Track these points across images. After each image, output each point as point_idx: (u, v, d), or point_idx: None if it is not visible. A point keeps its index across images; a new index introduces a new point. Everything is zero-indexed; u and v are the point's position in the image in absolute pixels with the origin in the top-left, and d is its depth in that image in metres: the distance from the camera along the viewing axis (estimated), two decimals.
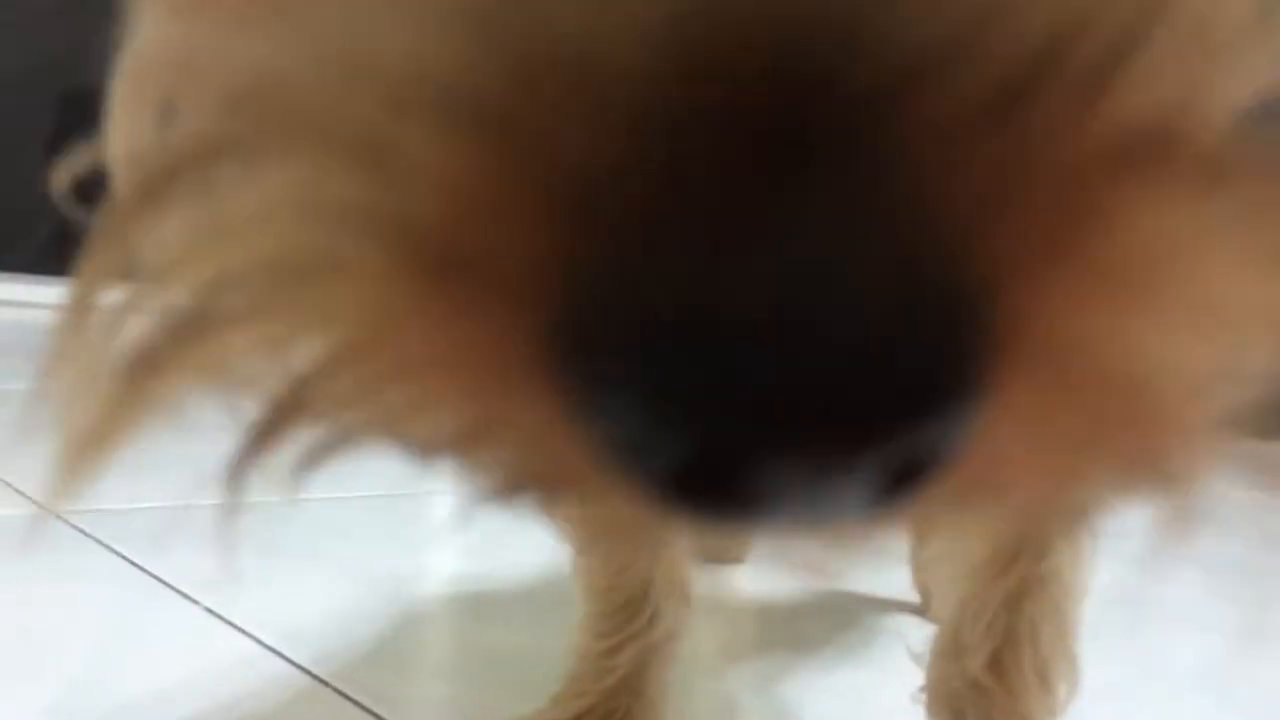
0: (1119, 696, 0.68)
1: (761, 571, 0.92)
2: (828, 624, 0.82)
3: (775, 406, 0.15)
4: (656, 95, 0.14)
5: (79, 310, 0.18)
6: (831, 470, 0.16)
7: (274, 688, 0.60)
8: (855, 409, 0.15)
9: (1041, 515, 0.20)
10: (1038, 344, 0.15)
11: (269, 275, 0.16)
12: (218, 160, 0.16)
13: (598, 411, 0.15)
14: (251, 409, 0.18)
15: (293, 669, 0.62)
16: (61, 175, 0.20)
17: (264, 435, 0.18)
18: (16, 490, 0.88)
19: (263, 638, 0.66)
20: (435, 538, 1.00)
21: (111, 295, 0.18)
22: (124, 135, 0.20)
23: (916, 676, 0.50)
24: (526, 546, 0.77)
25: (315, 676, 0.62)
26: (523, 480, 0.18)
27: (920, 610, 0.84)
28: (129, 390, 0.18)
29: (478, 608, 0.79)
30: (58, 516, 0.84)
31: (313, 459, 0.18)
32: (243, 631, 0.67)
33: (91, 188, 0.19)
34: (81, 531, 0.82)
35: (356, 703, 0.59)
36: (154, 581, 0.74)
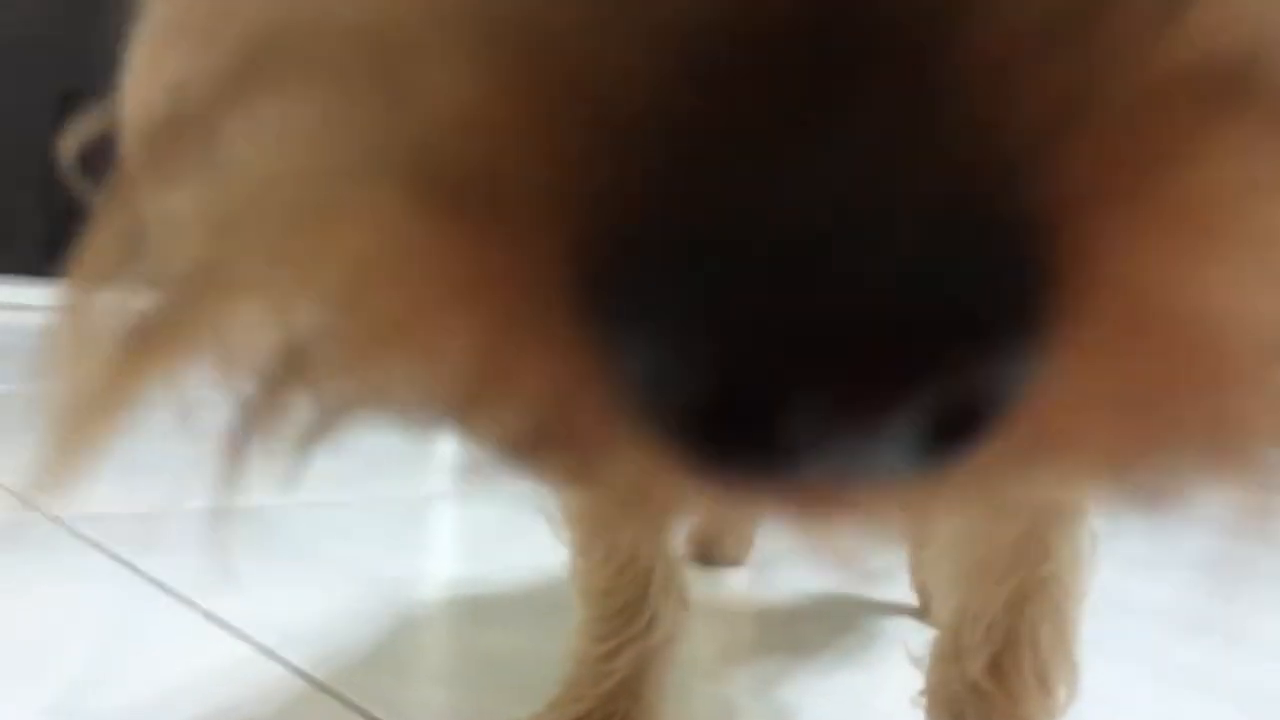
0: (1118, 698, 0.68)
1: (760, 574, 0.92)
2: (826, 627, 0.82)
3: (818, 332, 0.13)
4: (701, 7, 0.13)
5: (85, 284, 0.18)
6: (877, 409, 0.14)
7: (272, 691, 0.60)
8: (906, 337, 0.14)
9: (1105, 483, 0.17)
10: (1103, 284, 0.14)
11: (282, 218, 0.15)
12: (230, 107, 0.15)
13: (625, 340, 0.14)
14: (250, 384, 0.17)
15: (290, 672, 0.62)
16: (68, 143, 0.19)
17: (262, 407, 0.17)
18: (9, 490, 0.88)
19: (260, 641, 0.66)
20: (433, 541, 1.00)
21: (116, 272, 0.18)
22: (139, 97, 0.19)
23: (916, 680, 0.50)
24: (524, 550, 0.77)
25: (313, 680, 0.61)
26: (539, 435, 0.17)
27: (919, 613, 0.84)
28: (129, 361, 0.17)
29: (475, 611, 0.79)
30: (55, 519, 0.84)
31: (314, 434, 0.18)
32: (240, 634, 0.67)
33: (98, 162, 0.19)
34: (79, 534, 0.82)
35: (354, 706, 0.59)
36: (151, 584, 0.73)
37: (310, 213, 0.15)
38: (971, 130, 0.13)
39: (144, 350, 0.17)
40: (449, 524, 1.07)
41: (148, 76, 0.19)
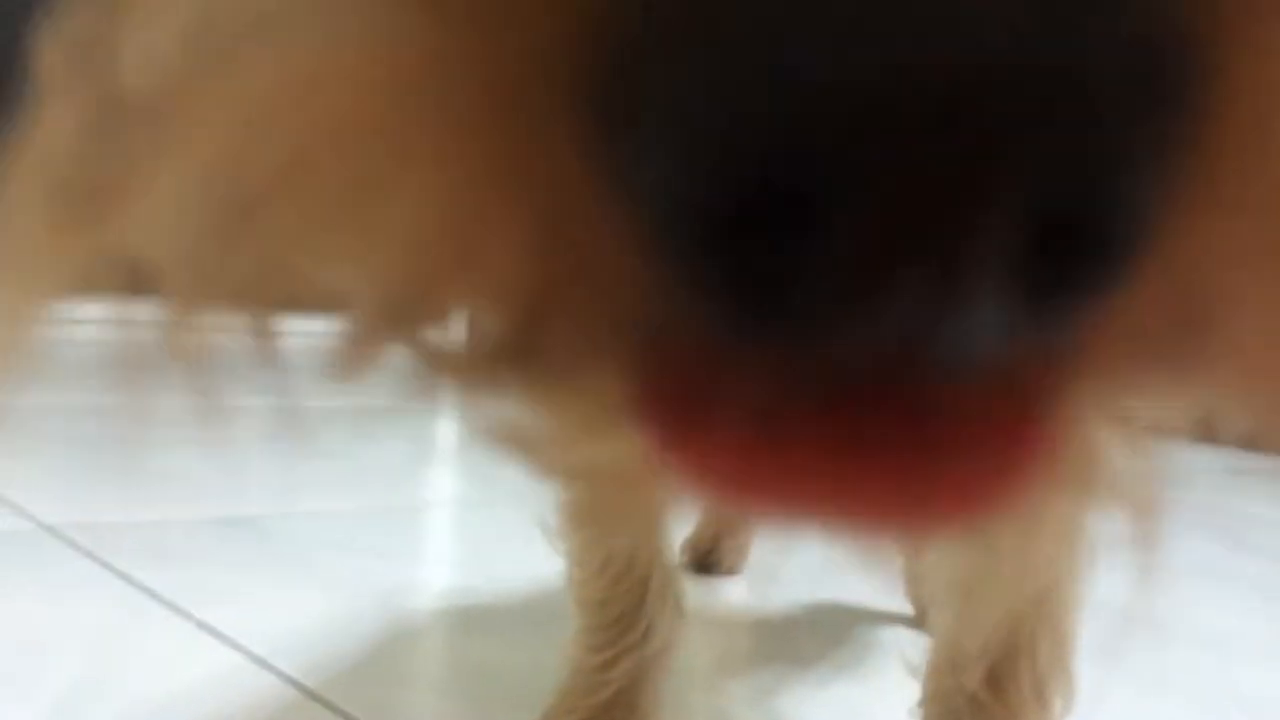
0: (1116, 711, 0.68)
1: (756, 584, 0.92)
2: (823, 637, 0.81)
3: (892, 93, 0.10)
4: None
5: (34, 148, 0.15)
6: (957, 226, 0.11)
7: (265, 700, 0.60)
8: (1018, 103, 0.10)
9: (1231, 402, 0.14)
10: (1265, 121, 0.11)
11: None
12: None
13: (642, 128, 0.11)
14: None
15: (282, 681, 0.62)
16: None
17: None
18: (9, 503, 0.87)
19: (252, 649, 0.65)
20: (427, 549, 0.99)
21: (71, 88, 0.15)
22: None
23: (913, 690, 0.49)
24: (519, 559, 0.77)
25: (305, 689, 0.61)
26: (542, 295, 0.13)
27: (915, 622, 0.84)
28: (75, 217, 0.15)
29: (470, 621, 0.78)
30: (47, 527, 0.83)
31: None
32: (232, 643, 0.66)
33: None
34: (71, 543, 0.81)
35: (346, 715, 0.58)
36: (143, 593, 0.73)
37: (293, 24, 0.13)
38: None
39: (94, 200, 0.15)
40: (443, 532, 1.07)
41: None
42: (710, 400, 0.13)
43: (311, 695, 0.60)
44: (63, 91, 0.15)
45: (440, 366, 0.15)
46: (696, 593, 0.73)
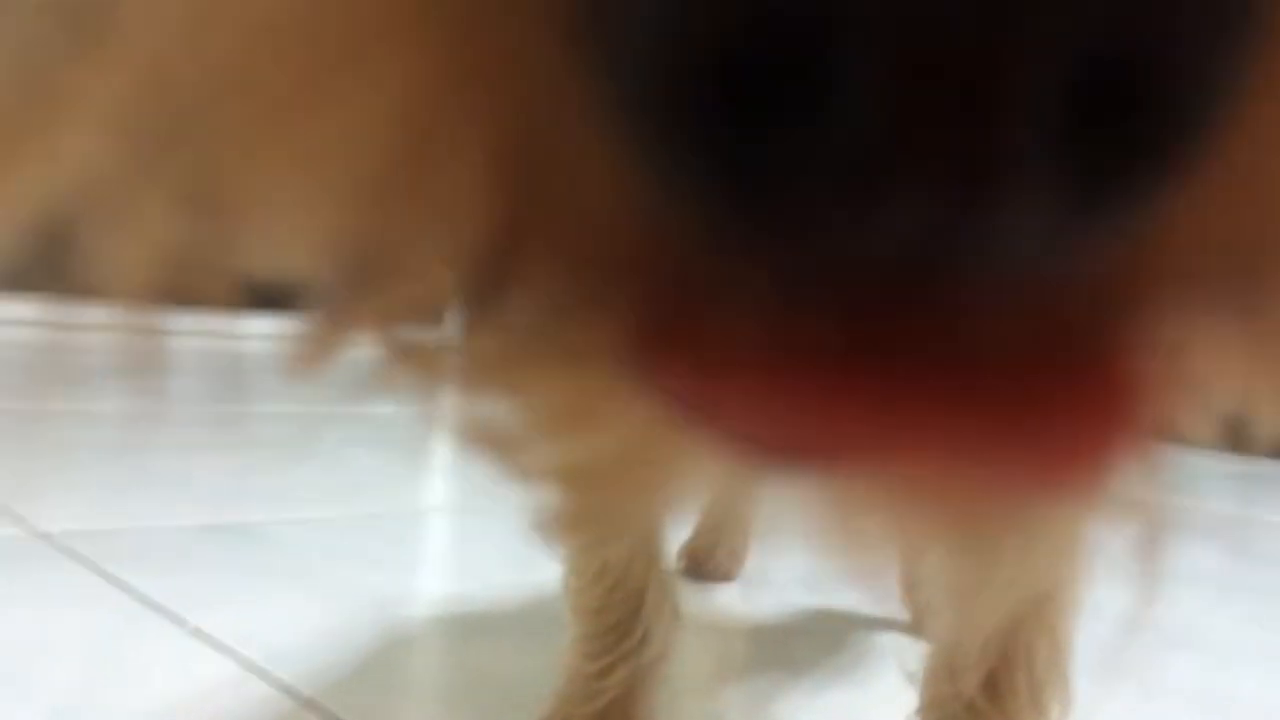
0: (1114, 717, 0.68)
1: (752, 589, 0.92)
2: (820, 644, 0.81)
3: None
4: None
5: None
6: (989, 90, 0.09)
7: (260, 709, 0.59)
8: None
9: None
10: None
11: None
12: None
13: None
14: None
15: (277, 690, 0.62)
16: None
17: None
18: (2, 509, 0.87)
19: (247, 657, 0.65)
20: (422, 557, 0.99)
21: None
22: None
23: (910, 697, 0.49)
24: (516, 566, 0.77)
25: (300, 697, 0.61)
26: (515, 227, 0.12)
27: (912, 629, 0.84)
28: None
29: (466, 628, 0.78)
30: (41, 535, 0.83)
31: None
32: (229, 651, 0.66)
33: None
34: (65, 549, 0.81)
35: None
36: (138, 600, 0.73)
37: None
38: None
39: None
40: (439, 540, 1.07)
41: None
42: (715, 336, 0.12)
43: (307, 703, 0.60)
44: None
45: (414, 361, 0.14)
46: (692, 599, 0.73)
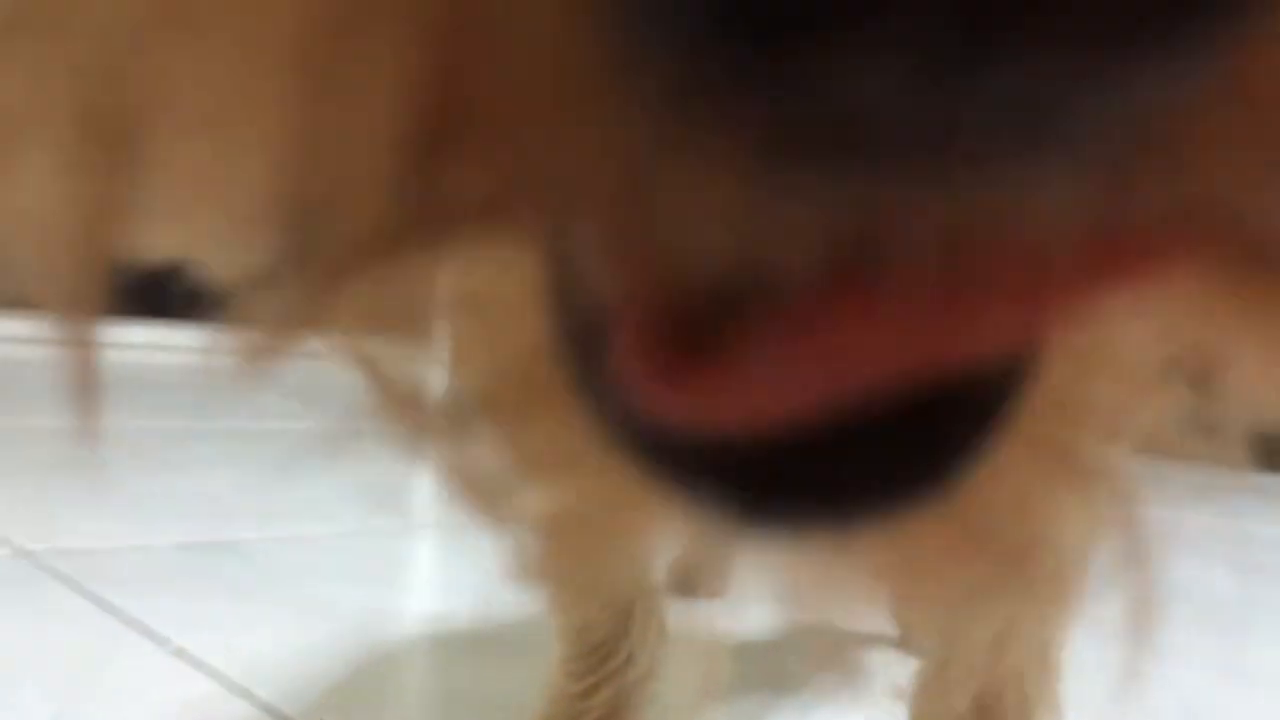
0: None
1: (739, 607, 0.92)
2: (808, 662, 0.81)
3: None
4: None
5: None
6: None
7: None
8: None
9: None
10: None
11: None
12: None
13: None
14: None
15: (259, 709, 0.61)
16: None
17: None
18: None
19: (230, 677, 0.65)
20: (407, 575, 0.99)
21: None
22: None
23: (899, 715, 0.49)
24: (500, 584, 0.76)
25: (283, 717, 0.60)
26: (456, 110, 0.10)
27: (901, 646, 0.84)
28: None
29: (449, 647, 0.78)
30: (25, 553, 0.82)
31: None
32: (210, 670, 0.65)
33: None
34: (47, 569, 0.80)
35: None
36: (119, 620, 0.72)
37: None
38: None
39: None
40: (423, 557, 1.06)
41: None
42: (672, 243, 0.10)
43: None
44: None
45: (402, 408, 0.13)
46: (679, 615, 0.73)
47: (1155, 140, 0.09)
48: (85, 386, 0.13)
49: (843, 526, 0.12)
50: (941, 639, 0.47)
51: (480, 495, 0.15)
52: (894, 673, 0.51)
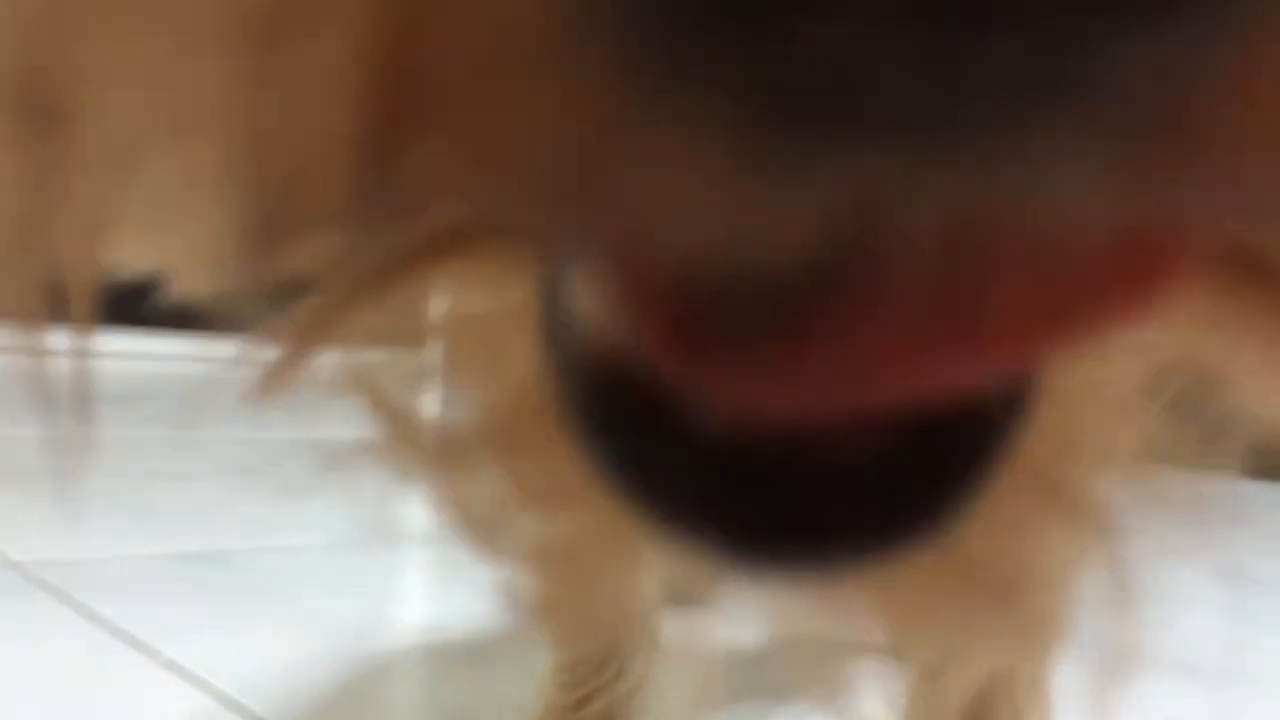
0: None
1: (732, 614, 0.91)
2: (801, 670, 0.81)
3: None
4: None
5: None
6: None
7: None
8: None
9: None
10: None
11: None
12: None
13: None
14: None
15: None
16: None
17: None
18: None
19: (222, 689, 0.64)
20: (399, 586, 0.98)
21: None
22: None
23: None
24: (493, 595, 0.76)
25: None
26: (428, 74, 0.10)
27: (894, 655, 0.83)
28: None
29: (442, 659, 0.77)
30: (13, 564, 0.82)
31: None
32: (201, 683, 0.65)
33: None
34: (36, 580, 0.80)
35: None
36: (110, 632, 0.72)
37: None
38: None
39: None
40: (416, 568, 1.06)
41: None
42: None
43: None
44: None
45: (397, 442, 0.13)
46: (671, 623, 0.72)
47: (1156, 137, 0.09)
48: (43, 394, 0.13)
49: (834, 566, 0.12)
50: (933, 648, 0.47)
51: (475, 526, 0.15)
52: (886, 682, 0.51)
